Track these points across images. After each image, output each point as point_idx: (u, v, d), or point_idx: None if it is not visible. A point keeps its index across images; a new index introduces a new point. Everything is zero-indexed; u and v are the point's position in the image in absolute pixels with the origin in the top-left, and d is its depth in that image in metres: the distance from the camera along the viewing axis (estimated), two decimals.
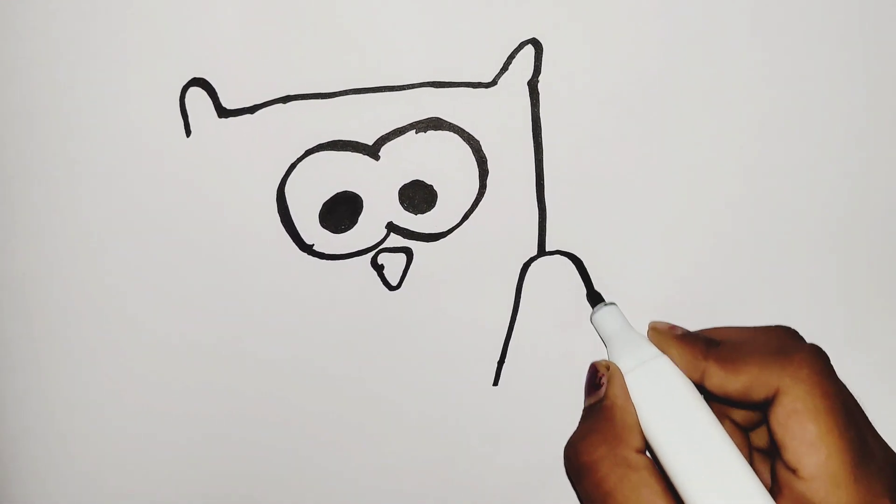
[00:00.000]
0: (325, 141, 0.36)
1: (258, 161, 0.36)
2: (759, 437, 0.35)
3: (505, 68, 0.36)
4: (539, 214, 0.38)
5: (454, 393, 0.40)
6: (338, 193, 0.37)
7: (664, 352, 0.34)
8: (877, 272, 0.40)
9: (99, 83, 0.36)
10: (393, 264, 0.38)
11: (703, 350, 0.33)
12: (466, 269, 0.38)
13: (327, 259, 0.38)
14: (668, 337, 0.34)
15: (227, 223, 0.37)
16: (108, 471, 0.40)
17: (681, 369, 0.33)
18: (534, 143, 0.37)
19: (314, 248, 0.37)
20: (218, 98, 0.36)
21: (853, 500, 0.28)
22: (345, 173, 0.37)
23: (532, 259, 0.38)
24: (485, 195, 0.37)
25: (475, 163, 0.37)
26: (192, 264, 0.38)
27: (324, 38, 0.36)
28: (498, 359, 0.39)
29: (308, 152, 0.37)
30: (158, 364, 0.39)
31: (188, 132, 0.36)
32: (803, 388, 0.29)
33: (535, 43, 0.36)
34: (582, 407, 0.37)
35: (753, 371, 0.30)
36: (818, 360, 0.30)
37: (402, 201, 0.37)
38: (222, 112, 0.36)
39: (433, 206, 0.37)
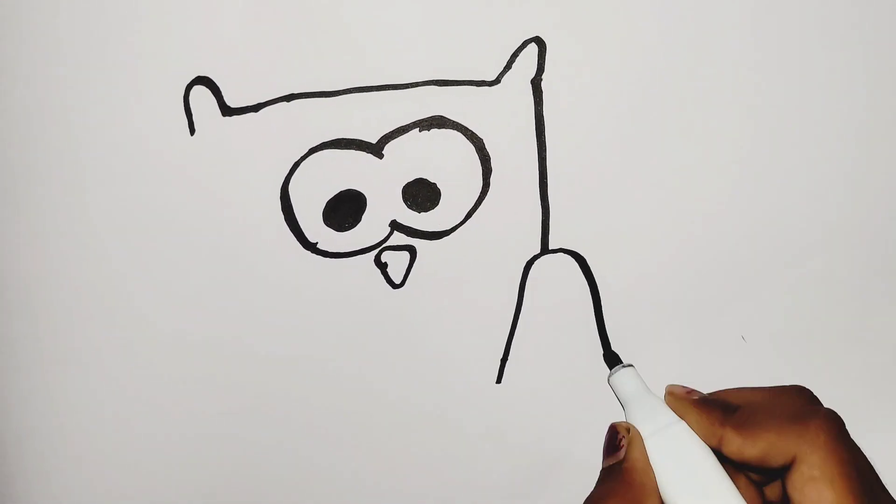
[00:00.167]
0: (329, 139, 0.37)
1: (262, 159, 0.37)
2: (772, 491, 0.35)
3: (508, 67, 0.36)
4: (542, 212, 0.38)
5: (458, 390, 0.40)
6: (341, 191, 0.37)
7: (682, 417, 0.34)
8: (877, 271, 0.40)
9: (103, 82, 0.36)
10: (396, 262, 0.38)
11: (720, 417, 0.33)
12: (470, 266, 0.38)
13: (331, 257, 0.38)
14: (686, 402, 0.35)
15: (231, 221, 0.37)
16: (112, 469, 0.40)
17: (698, 435, 0.33)
18: (537, 141, 0.37)
19: (318, 246, 0.38)
20: (222, 96, 0.36)
21: None
22: (348, 171, 0.37)
23: (535, 257, 0.38)
24: (488, 193, 0.37)
25: (478, 161, 0.37)
26: (196, 262, 0.38)
27: (327, 37, 0.36)
28: (501, 356, 0.39)
29: (312, 150, 0.37)
30: (162, 362, 0.39)
31: (192, 130, 0.36)
32: (820, 455, 0.30)
33: (539, 41, 0.36)
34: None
35: (771, 438, 0.31)
36: (834, 425, 0.31)
37: (405, 199, 0.37)
38: (226, 110, 0.36)
39: (436, 205, 0.37)
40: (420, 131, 0.37)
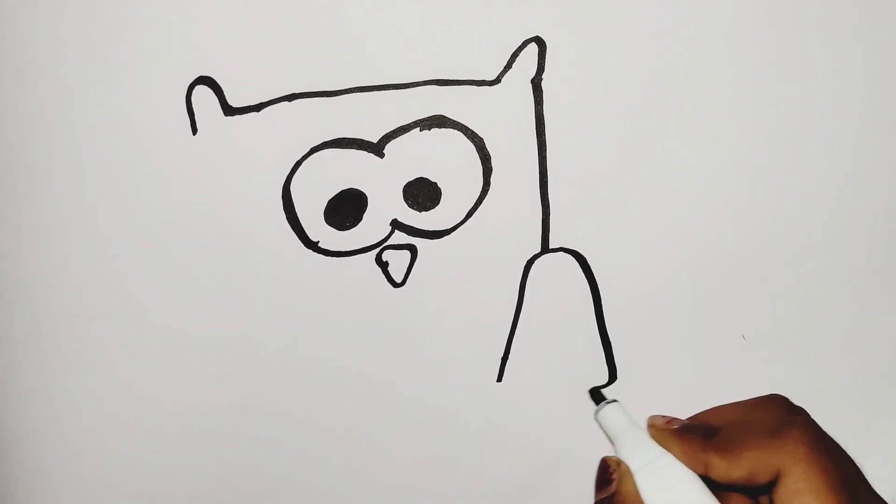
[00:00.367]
0: (330, 139, 0.37)
1: (264, 159, 0.37)
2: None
3: (508, 66, 0.36)
4: (542, 212, 0.38)
5: (458, 389, 0.40)
6: (343, 191, 0.37)
7: (666, 447, 0.35)
8: (877, 271, 0.40)
9: (105, 82, 0.36)
10: (397, 261, 0.38)
11: (701, 443, 0.34)
12: (470, 266, 0.38)
13: (332, 256, 0.38)
14: (668, 433, 0.35)
15: (232, 220, 0.37)
16: (113, 468, 0.40)
17: (685, 464, 0.34)
18: (537, 140, 0.37)
19: (319, 245, 0.38)
20: (224, 96, 0.36)
21: None
22: (349, 171, 0.37)
23: (535, 256, 0.38)
24: (488, 192, 0.38)
25: (479, 160, 0.37)
26: (198, 261, 0.38)
27: (329, 37, 0.36)
28: (502, 355, 0.40)
29: (313, 150, 0.37)
30: (164, 360, 0.39)
31: (194, 130, 0.36)
32: (802, 467, 0.30)
33: (539, 41, 0.36)
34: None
35: (754, 456, 0.32)
36: (812, 433, 0.31)
37: (406, 199, 0.37)
38: (228, 110, 0.36)
39: (437, 204, 0.38)
40: (421, 131, 0.37)
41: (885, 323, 0.40)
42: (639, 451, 0.35)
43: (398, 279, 0.38)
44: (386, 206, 0.37)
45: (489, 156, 0.37)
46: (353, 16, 0.36)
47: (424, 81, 0.36)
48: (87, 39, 0.36)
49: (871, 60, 0.38)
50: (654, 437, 0.36)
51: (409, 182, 0.37)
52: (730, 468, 0.32)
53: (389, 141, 0.37)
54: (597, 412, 0.38)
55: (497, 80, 0.36)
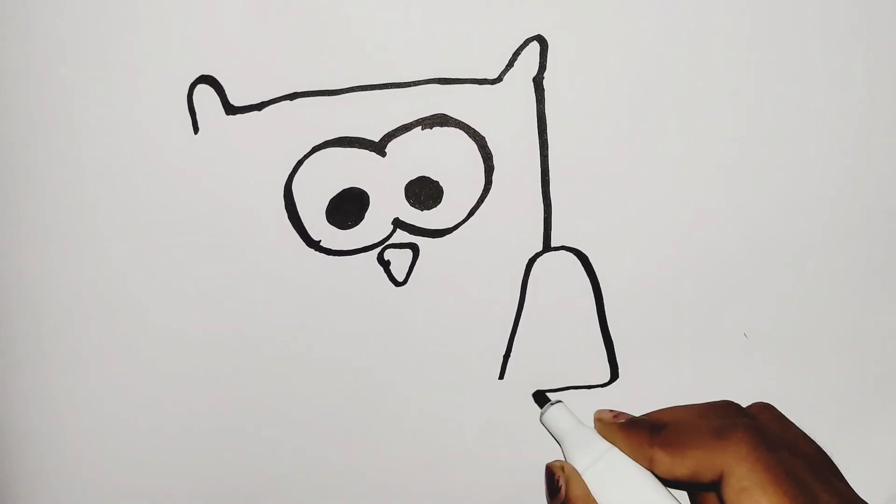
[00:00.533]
0: (332, 137, 0.37)
1: (265, 157, 0.37)
2: None
3: (510, 65, 0.36)
4: (544, 210, 0.38)
5: (460, 386, 0.40)
6: (344, 190, 0.37)
7: (612, 442, 0.35)
8: (877, 271, 0.40)
9: (107, 81, 0.36)
10: (399, 260, 0.38)
11: (647, 437, 0.34)
12: (472, 264, 0.38)
13: (334, 255, 0.38)
14: (614, 427, 0.36)
15: (234, 219, 0.37)
16: (114, 468, 0.40)
17: (630, 458, 0.34)
18: (539, 139, 0.37)
19: (321, 243, 0.38)
20: (225, 95, 0.36)
21: None
22: (351, 170, 0.37)
23: (537, 255, 0.38)
24: (490, 191, 0.38)
25: (481, 159, 0.37)
26: (199, 260, 0.38)
27: (330, 36, 0.36)
28: (503, 353, 0.40)
29: (315, 149, 0.37)
30: (164, 360, 0.39)
31: (196, 129, 0.36)
32: (746, 466, 0.31)
33: (541, 40, 0.36)
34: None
35: (697, 455, 0.32)
36: (755, 435, 0.31)
37: (408, 197, 0.37)
38: (230, 109, 0.36)
39: (439, 202, 0.38)
40: (422, 129, 0.37)
41: (885, 322, 0.40)
42: (586, 449, 0.35)
43: (400, 278, 0.38)
44: (388, 204, 0.37)
45: (491, 154, 0.37)
46: (355, 15, 0.36)
47: (426, 80, 0.36)
48: (87, 39, 0.35)
49: (872, 60, 0.38)
50: (600, 431, 0.36)
51: (411, 181, 0.37)
52: (674, 465, 0.33)
53: (391, 140, 0.37)
54: (542, 415, 0.38)
55: (499, 79, 0.36)
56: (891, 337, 0.41)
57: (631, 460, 0.34)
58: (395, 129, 0.37)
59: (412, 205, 0.37)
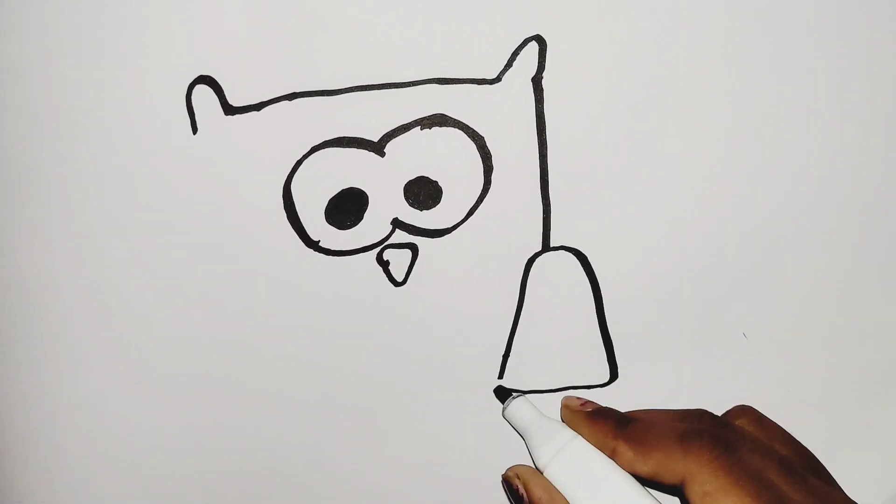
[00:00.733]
0: (331, 137, 0.37)
1: (264, 158, 0.37)
2: None
3: (509, 65, 0.36)
4: (543, 210, 0.38)
5: (460, 386, 0.40)
6: (343, 190, 0.37)
7: (576, 430, 0.35)
8: (877, 271, 0.40)
9: (106, 81, 0.36)
10: (398, 260, 0.38)
11: (612, 429, 0.34)
12: (471, 264, 0.38)
13: (333, 255, 0.38)
14: (579, 415, 0.36)
15: (233, 220, 0.37)
16: (115, 467, 0.40)
17: (594, 446, 0.34)
18: (538, 139, 0.37)
19: (320, 244, 0.38)
20: (224, 95, 0.36)
21: None
22: (350, 170, 0.37)
23: (536, 255, 0.38)
24: (489, 191, 0.38)
25: (480, 159, 0.37)
26: (198, 261, 0.38)
27: (329, 36, 0.36)
28: (503, 353, 0.40)
29: (314, 149, 0.37)
30: (165, 359, 0.39)
31: (195, 129, 0.36)
32: (707, 471, 0.31)
33: (539, 40, 0.36)
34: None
35: (660, 458, 0.32)
36: (717, 443, 0.31)
37: (407, 197, 0.37)
38: (228, 109, 0.36)
39: (438, 203, 0.38)
40: (421, 129, 0.37)
41: (884, 322, 0.40)
42: (549, 440, 0.35)
43: (399, 278, 0.38)
44: (387, 204, 0.37)
45: (490, 154, 0.37)
46: (354, 14, 0.36)
47: (425, 80, 0.36)
48: (86, 38, 0.35)
49: (873, 60, 0.38)
50: (566, 418, 0.36)
51: (410, 181, 0.37)
52: (636, 460, 0.33)
53: (390, 140, 0.37)
54: (504, 410, 0.38)
55: (498, 79, 0.36)
56: (890, 337, 0.41)
57: (595, 449, 0.34)
58: (394, 129, 0.37)
59: (411, 205, 0.37)
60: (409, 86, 0.36)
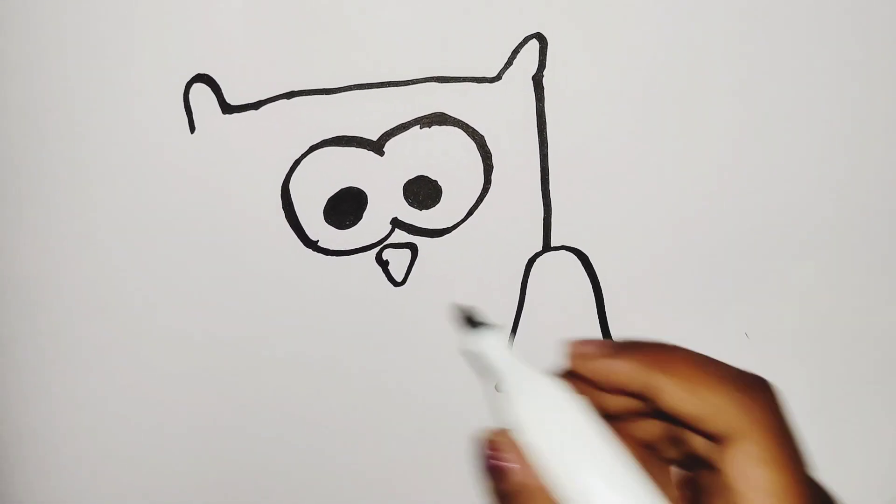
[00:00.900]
0: (330, 137, 0.36)
1: (262, 157, 0.36)
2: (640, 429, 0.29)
3: (509, 63, 0.36)
4: (544, 209, 0.38)
5: (460, 386, 0.40)
6: (342, 189, 0.37)
7: (601, 370, 0.27)
8: (878, 270, 0.40)
9: (104, 80, 0.36)
10: (398, 260, 0.38)
11: (653, 360, 0.27)
12: (471, 264, 0.38)
13: (332, 255, 0.38)
14: (607, 347, 0.28)
15: (231, 219, 0.37)
16: (114, 467, 0.40)
17: (623, 379, 0.27)
18: (538, 137, 0.37)
19: (319, 243, 0.38)
20: (222, 94, 0.36)
21: None
22: (349, 169, 0.37)
23: (537, 254, 0.38)
24: (490, 190, 0.37)
25: (480, 158, 0.37)
26: (196, 260, 0.38)
27: (327, 34, 0.35)
28: None
29: (312, 148, 0.36)
30: (163, 359, 0.39)
31: (192, 128, 0.36)
32: (762, 432, 0.25)
33: (540, 38, 0.36)
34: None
35: (714, 399, 0.26)
36: (776, 406, 0.26)
37: (406, 197, 0.37)
38: (226, 108, 0.36)
39: (438, 202, 0.37)
40: (421, 128, 0.37)
41: (885, 322, 0.40)
42: (534, 390, 0.27)
43: (398, 278, 0.38)
44: (386, 204, 0.37)
45: (490, 153, 0.37)
46: (353, 13, 0.35)
47: (425, 78, 0.36)
48: (85, 38, 0.35)
49: (874, 60, 0.37)
50: (578, 369, 0.29)
51: (410, 180, 0.37)
52: (682, 398, 0.26)
53: (389, 139, 0.36)
54: (474, 340, 0.29)
55: (498, 77, 0.36)
56: (891, 337, 0.41)
57: (572, 394, 0.27)
58: (394, 127, 0.36)
59: (411, 204, 0.37)
60: (409, 84, 0.36)
